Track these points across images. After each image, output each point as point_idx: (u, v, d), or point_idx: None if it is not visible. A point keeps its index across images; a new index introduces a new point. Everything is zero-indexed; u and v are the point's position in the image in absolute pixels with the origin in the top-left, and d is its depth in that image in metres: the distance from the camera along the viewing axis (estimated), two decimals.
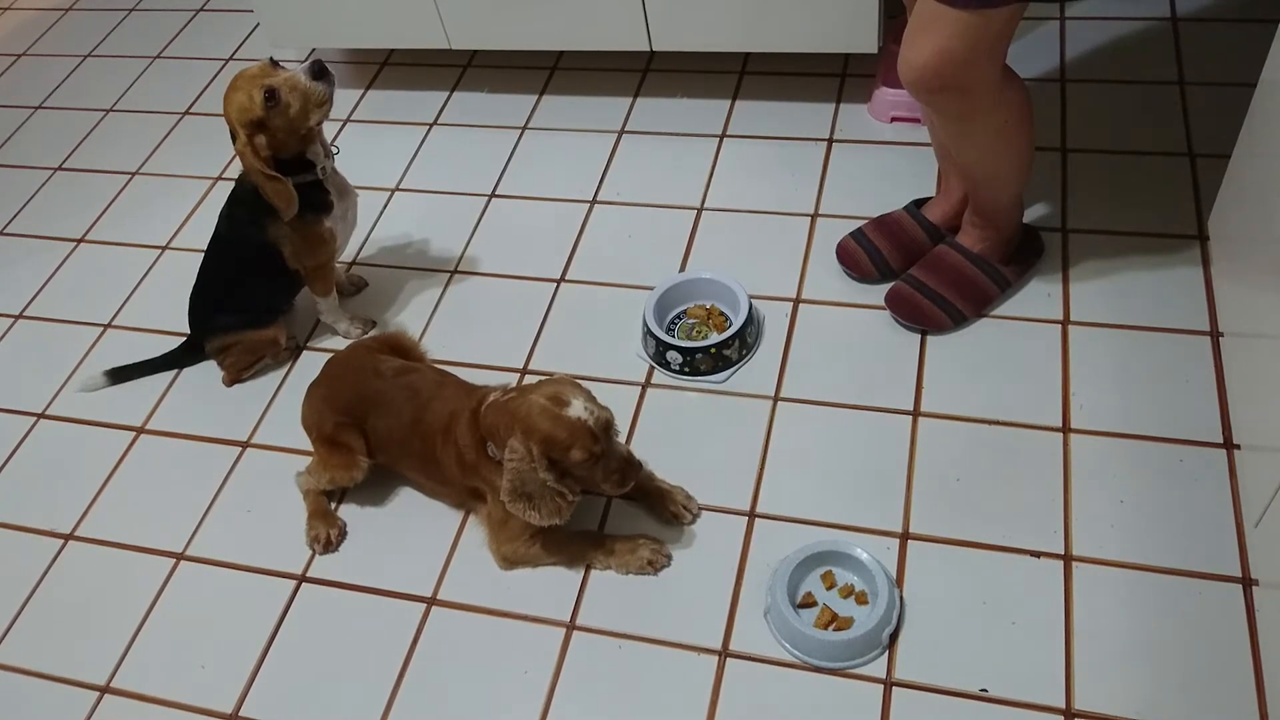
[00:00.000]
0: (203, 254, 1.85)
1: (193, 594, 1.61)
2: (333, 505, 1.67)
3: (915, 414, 1.63)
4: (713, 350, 1.72)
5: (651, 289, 1.82)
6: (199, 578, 1.62)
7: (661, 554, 1.51)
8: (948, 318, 1.72)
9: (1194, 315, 1.69)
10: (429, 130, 2.34)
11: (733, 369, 1.74)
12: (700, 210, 2.03)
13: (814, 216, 1.98)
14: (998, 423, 1.60)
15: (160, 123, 2.53)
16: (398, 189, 2.22)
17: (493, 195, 2.16)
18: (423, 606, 1.53)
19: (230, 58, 2.68)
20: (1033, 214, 1.88)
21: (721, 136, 2.18)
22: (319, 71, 1.63)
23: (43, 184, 2.43)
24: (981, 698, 1.33)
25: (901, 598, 1.42)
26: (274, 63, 1.64)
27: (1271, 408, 1.35)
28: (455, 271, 2.01)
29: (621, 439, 1.50)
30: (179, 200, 2.30)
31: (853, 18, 1.98)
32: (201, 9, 2.89)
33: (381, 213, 2.16)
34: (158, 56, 2.76)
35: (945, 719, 1.32)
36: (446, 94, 2.42)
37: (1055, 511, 1.49)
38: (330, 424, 1.60)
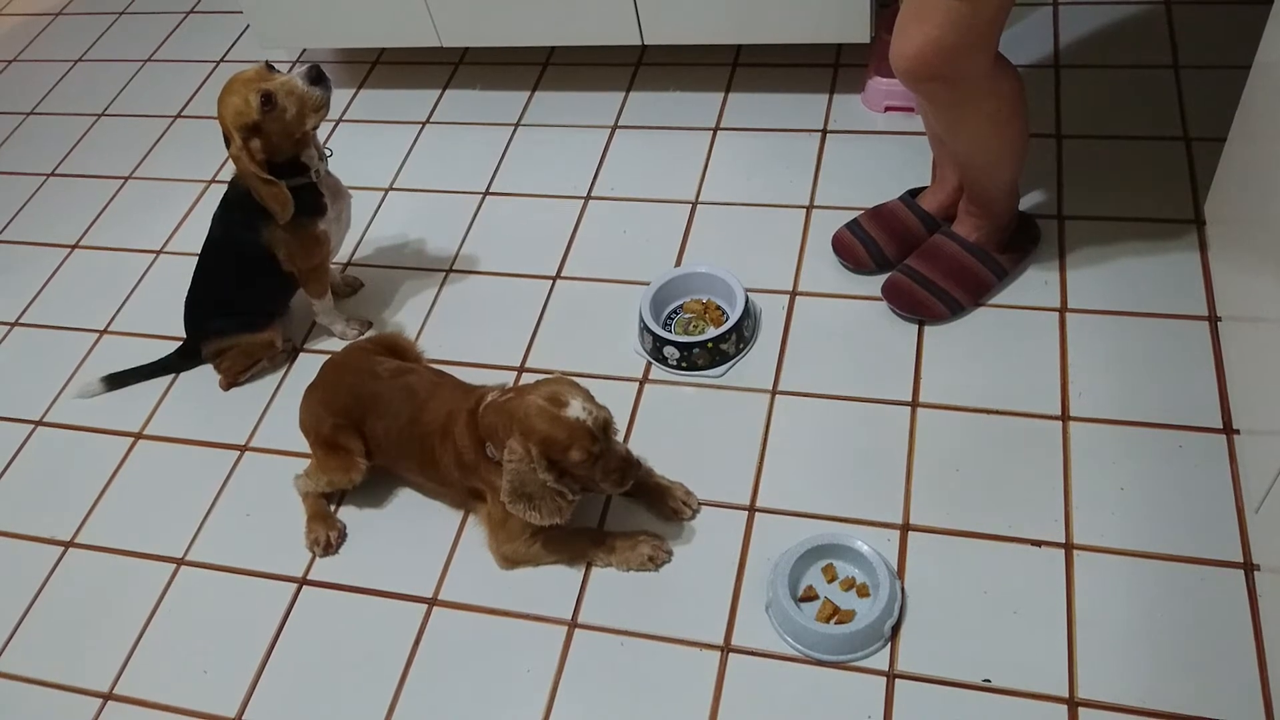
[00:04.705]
0: (197, 258, 1.85)
1: (193, 599, 1.61)
2: (332, 507, 1.67)
3: (914, 404, 1.63)
4: (710, 345, 1.71)
5: (647, 284, 1.81)
6: (199, 583, 1.62)
7: (662, 550, 1.51)
8: (945, 307, 1.72)
9: (1192, 300, 1.69)
10: (422, 129, 2.34)
11: (730, 363, 1.74)
12: (695, 204, 2.03)
13: (809, 208, 1.97)
14: (996, 412, 1.60)
15: (152, 126, 2.52)
16: (391, 189, 2.21)
17: (487, 193, 2.15)
18: (424, 607, 1.53)
19: (221, 60, 2.68)
20: (1028, 201, 1.87)
21: (715, 130, 2.18)
22: (316, 76, 1.62)
23: (36, 190, 2.43)
24: (985, 688, 1.33)
25: (903, 589, 1.42)
26: (270, 66, 1.64)
27: (1271, 392, 1.35)
28: (450, 270, 2.01)
29: (620, 436, 1.50)
30: (172, 204, 2.29)
31: (844, 8, 1.97)
32: (191, 11, 2.88)
33: (375, 213, 2.16)
34: (148, 60, 2.75)
35: (948, 710, 1.32)
36: (438, 92, 2.41)
37: (1055, 500, 1.48)
38: (328, 426, 1.60)
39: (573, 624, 1.47)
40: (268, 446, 1.78)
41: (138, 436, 1.85)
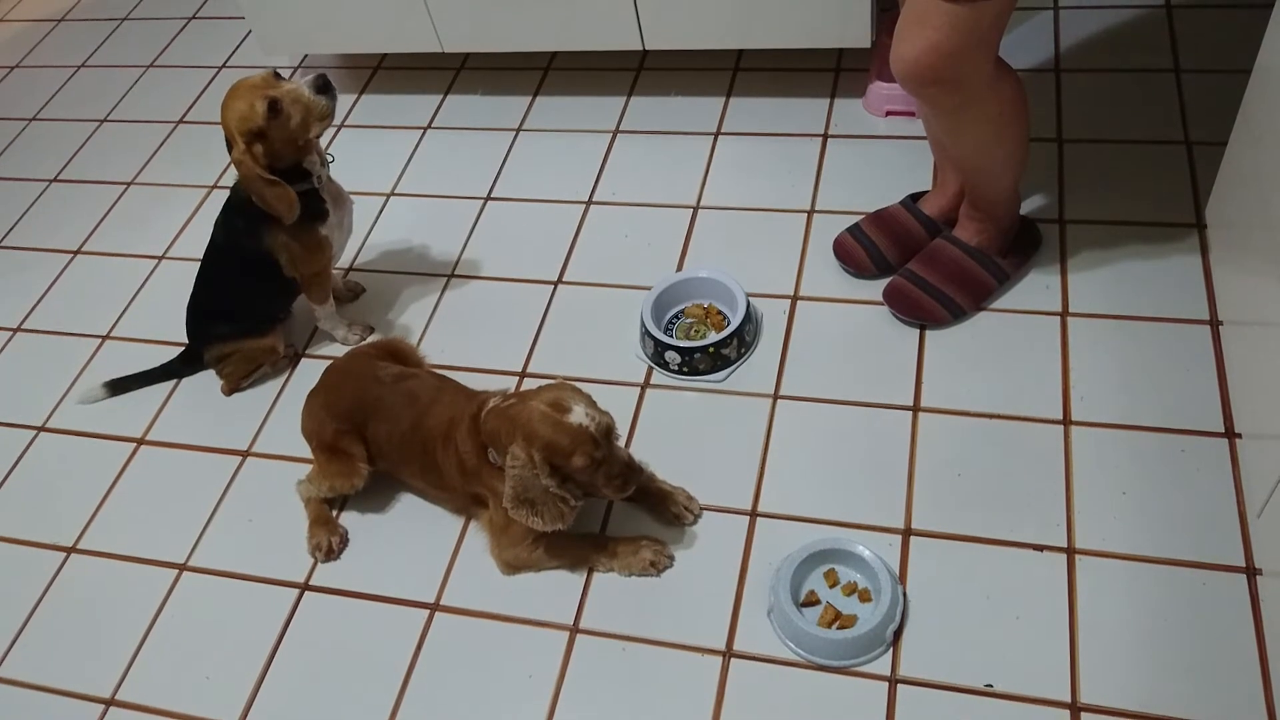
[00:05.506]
0: (199, 263, 1.85)
1: (196, 604, 1.61)
2: (334, 513, 1.67)
3: (915, 409, 1.63)
4: (711, 349, 1.71)
5: (649, 289, 1.81)
6: (202, 588, 1.62)
7: (664, 555, 1.51)
8: (946, 312, 1.72)
9: (1193, 304, 1.69)
10: (423, 134, 2.34)
11: (731, 368, 1.74)
12: (696, 209, 2.03)
13: (810, 213, 1.97)
14: (998, 416, 1.60)
15: (154, 132, 2.53)
16: (393, 194, 2.21)
17: (488, 198, 2.15)
18: (425, 612, 1.53)
19: (223, 65, 2.68)
20: (1030, 205, 1.87)
21: (716, 134, 2.18)
22: (322, 85, 1.63)
23: (38, 196, 2.43)
24: (987, 693, 1.33)
25: (905, 594, 1.42)
26: (276, 74, 1.64)
27: (1273, 396, 1.35)
28: (452, 275, 2.01)
29: (621, 441, 1.50)
30: (174, 210, 2.30)
31: (845, 12, 1.97)
32: (193, 17, 2.89)
33: (377, 218, 2.16)
34: (150, 66, 2.75)
35: (951, 715, 1.31)
36: (440, 97, 2.42)
37: (1057, 504, 1.48)
38: (330, 431, 1.60)
39: (574, 629, 1.47)
40: (270, 452, 1.78)
41: (140, 442, 1.85)
